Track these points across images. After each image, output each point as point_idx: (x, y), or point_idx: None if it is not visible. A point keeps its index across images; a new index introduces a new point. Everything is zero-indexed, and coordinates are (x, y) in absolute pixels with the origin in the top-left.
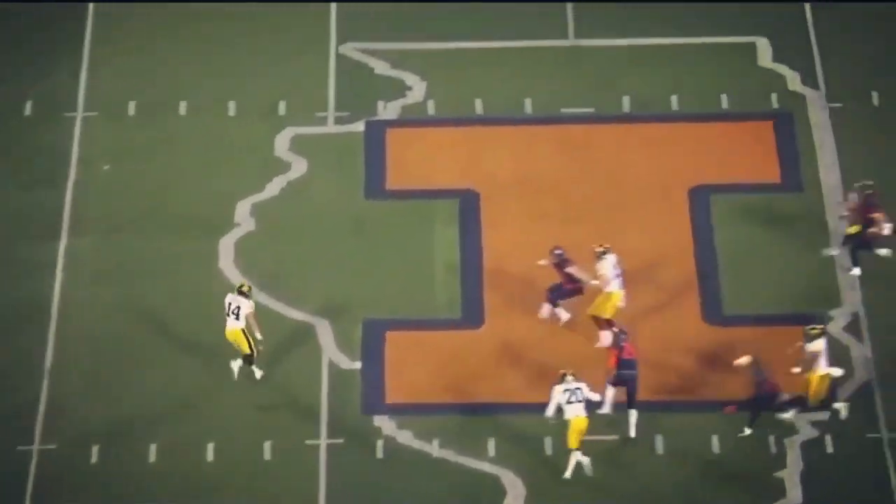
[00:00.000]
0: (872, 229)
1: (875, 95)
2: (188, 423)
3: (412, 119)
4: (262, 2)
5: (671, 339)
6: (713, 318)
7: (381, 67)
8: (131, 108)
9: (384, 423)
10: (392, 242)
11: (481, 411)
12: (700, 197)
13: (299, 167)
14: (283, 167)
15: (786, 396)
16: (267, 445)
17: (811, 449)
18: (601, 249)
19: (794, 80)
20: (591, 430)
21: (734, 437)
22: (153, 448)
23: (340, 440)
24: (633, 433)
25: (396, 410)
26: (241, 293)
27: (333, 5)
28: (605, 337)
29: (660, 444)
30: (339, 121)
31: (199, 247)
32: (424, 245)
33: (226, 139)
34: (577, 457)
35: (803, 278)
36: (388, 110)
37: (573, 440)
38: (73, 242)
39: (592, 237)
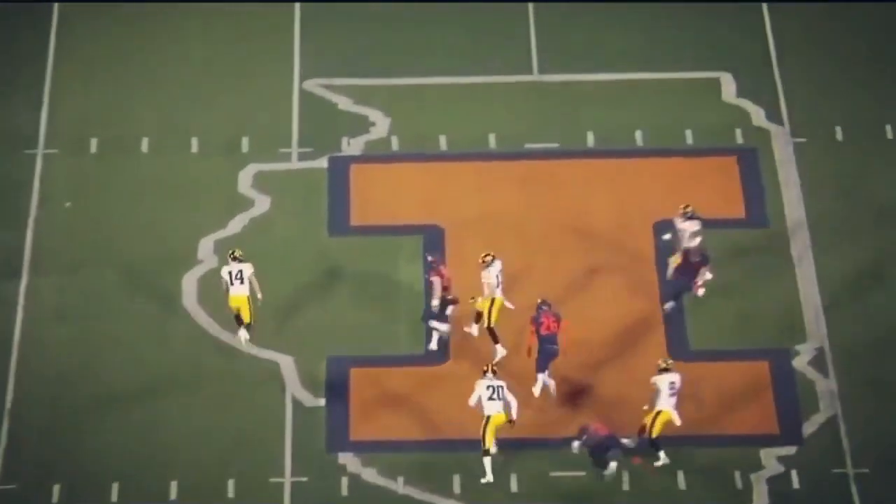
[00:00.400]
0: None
1: (839, 130)
2: (151, 461)
3: (376, 155)
4: (225, 38)
5: (636, 374)
6: (679, 354)
7: (344, 103)
8: (93, 144)
9: (349, 461)
10: (356, 279)
11: (447, 448)
12: (664, 231)
13: (262, 204)
14: (247, 204)
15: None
16: (231, 483)
17: (777, 484)
18: (488, 257)
19: (758, 116)
20: (559, 465)
21: (701, 473)
22: (115, 487)
23: (305, 478)
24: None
25: (361, 448)
26: (237, 259)
27: (297, 41)
28: (500, 350)
29: (626, 480)
30: (302, 157)
31: (161, 284)
32: (389, 281)
33: (188, 176)
34: (489, 458)
35: (769, 313)
36: (351, 146)
37: (489, 439)
38: (35, 280)
39: (557, 272)
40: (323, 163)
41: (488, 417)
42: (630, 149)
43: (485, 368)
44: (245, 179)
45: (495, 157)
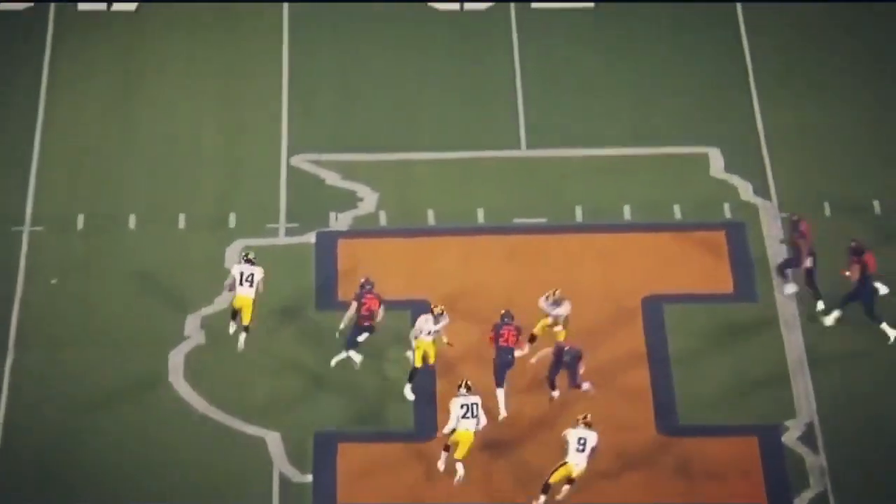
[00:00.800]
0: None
1: (827, 206)
2: None
3: (364, 230)
4: (212, 113)
5: (624, 448)
6: (667, 429)
7: (332, 178)
8: (80, 221)
9: None
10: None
11: None
12: (653, 307)
13: None
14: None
15: None
16: None
17: None
18: (438, 310)
19: (746, 191)
20: None
21: None
22: None
23: None
24: (503, 413)
25: None
26: (249, 261)
27: (285, 116)
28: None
29: None
30: (290, 232)
31: (148, 361)
32: (376, 356)
33: (175, 252)
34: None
35: (758, 389)
36: (339, 221)
37: (463, 452)
38: (20, 358)
39: (545, 346)
40: (310, 238)
41: (456, 431)
42: (618, 223)
43: (459, 384)
44: (232, 255)
45: (483, 232)
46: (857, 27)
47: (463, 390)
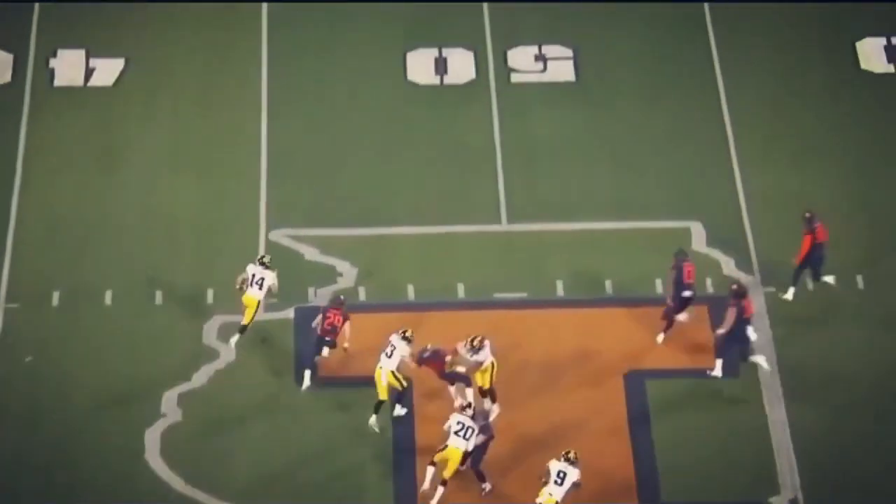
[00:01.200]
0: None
1: (809, 281)
2: None
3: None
4: (190, 189)
5: None
6: None
7: (310, 254)
8: (55, 297)
9: None
10: (323, 430)
11: None
12: (635, 382)
13: (228, 355)
14: (212, 355)
15: None
16: None
17: None
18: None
19: (728, 265)
20: None
21: None
22: None
23: None
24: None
25: None
26: (263, 264)
27: (263, 191)
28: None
29: None
30: (268, 308)
31: (124, 439)
32: (356, 433)
33: (152, 328)
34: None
35: (741, 465)
36: (318, 297)
37: (451, 471)
38: None
39: (527, 421)
40: (289, 313)
41: (446, 446)
42: (599, 298)
43: (464, 404)
44: (210, 331)
45: (463, 307)
46: (838, 95)
47: (468, 412)
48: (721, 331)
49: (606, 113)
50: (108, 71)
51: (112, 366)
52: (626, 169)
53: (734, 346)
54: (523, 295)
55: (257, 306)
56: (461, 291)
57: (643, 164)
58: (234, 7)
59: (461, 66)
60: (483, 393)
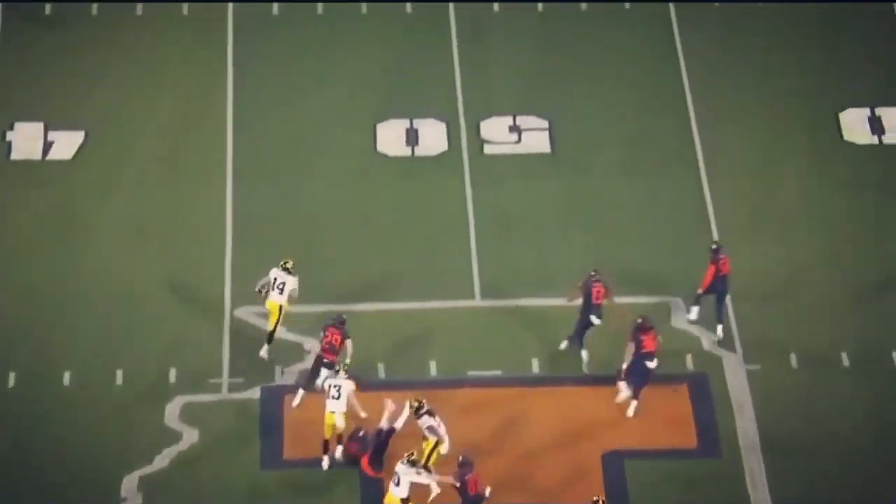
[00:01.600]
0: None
1: (794, 357)
2: None
3: None
4: (151, 260)
5: None
6: None
7: (277, 331)
8: (11, 378)
9: None
10: None
11: None
12: (614, 463)
13: (190, 437)
14: (174, 437)
15: None
16: None
17: None
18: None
19: (709, 342)
20: None
21: None
22: None
23: None
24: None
25: None
26: (286, 270)
27: (228, 267)
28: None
29: None
30: (233, 387)
31: None
32: None
33: (112, 410)
34: None
35: None
36: (285, 376)
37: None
38: None
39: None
40: (255, 393)
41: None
42: (576, 376)
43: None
44: (173, 412)
45: (436, 386)
46: (821, 166)
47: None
48: (624, 365)
49: (583, 185)
50: (67, 144)
51: (69, 449)
52: (604, 243)
53: (637, 380)
54: (497, 372)
55: (280, 310)
56: (433, 369)
57: (621, 237)
58: (198, 75)
59: (433, 137)
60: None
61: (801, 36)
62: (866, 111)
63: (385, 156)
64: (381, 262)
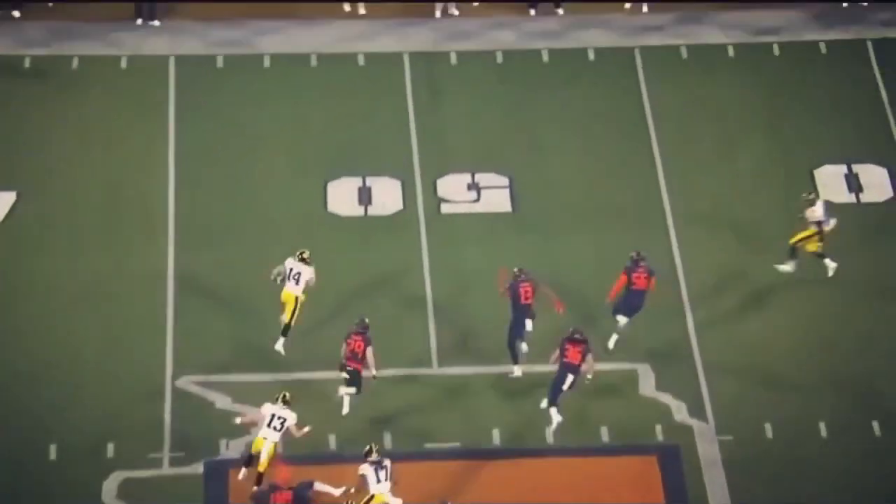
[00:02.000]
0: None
1: (768, 427)
2: None
3: None
4: (89, 329)
5: None
6: None
7: (222, 402)
8: None
9: None
10: None
11: None
12: None
13: None
14: None
15: None
16: None
17: None
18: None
19: (679, 411)
20: None
21: None
22: None
23: None
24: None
25: None
26: (303, 260)
27: (170, 334)
28: None
29: None
30: (174, 462)
31: None
32: None
33: (44, 486)
34: None
35: None
36: (230, 449)
37: None
38: None
39: None
40: (198, 468)
41: (373, 496)
42: (540, 448)
43: (367, 449)
44: (110, 489)
45: (391, 459)
46: (796, 227)
47: (374, 455)
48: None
49: (546, 245)
50: None
51: None
52: (569, 306)
53: (551, 390)
54: (456, 444)
55: (296, 302)
56: (388, 441)
57: (586, 301)
58: (137, 131)
59: (387, 195)
60: None
61: (774, 89)
62: (843, 168)
63: (336, 216)
64: (331, 328)
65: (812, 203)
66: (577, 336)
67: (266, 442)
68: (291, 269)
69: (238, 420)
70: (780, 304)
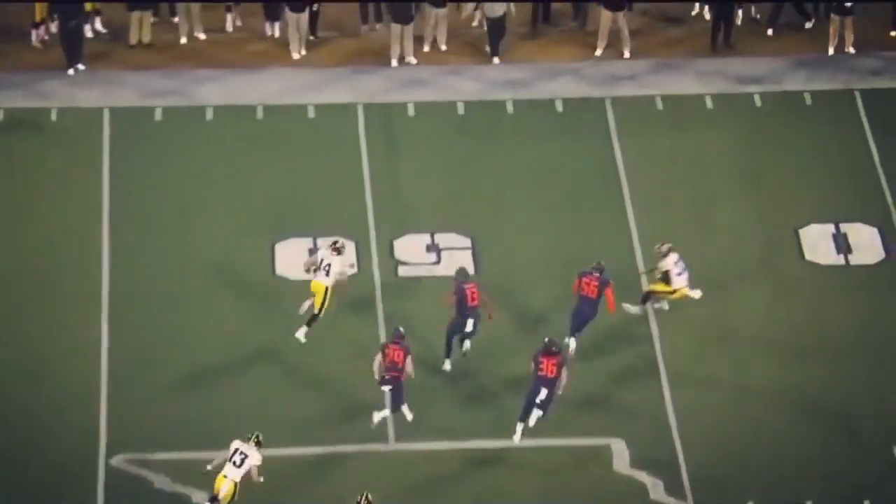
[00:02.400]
0: None
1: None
2: None
3: None
4: (17, 407)
5: None
6: None
7: (160, 482)
8: None
9: None
10: None
11: None
12: None
13: None
14: None
15: None
16: None
17: None
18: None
19: (656, 489)
20: None
21: None
22: None
23: None
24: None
25: None
26: (336, 250)
27: (104, 411)
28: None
29: None
30: None
31: None
32: None
33: None
34: None
35: None
36: None
37: None
38: None
39: None
40: None
41: None
42: None
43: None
44: None
45: None
46: (779, 289)
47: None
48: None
49: (511, 311)
50: None
51: None
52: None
53: (529, 405)
54: None
55: (325, 292)
56: None
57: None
58: (67, 192)
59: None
60: None
61: (755, 142)
62: (830, 227)
63: (286, 279)
64: (282, 403)
65: (665, 255)
66: (553, 349)
67: (226, 480)
68: (323, 260)
69: (209, 467)
70: (764, 370)
